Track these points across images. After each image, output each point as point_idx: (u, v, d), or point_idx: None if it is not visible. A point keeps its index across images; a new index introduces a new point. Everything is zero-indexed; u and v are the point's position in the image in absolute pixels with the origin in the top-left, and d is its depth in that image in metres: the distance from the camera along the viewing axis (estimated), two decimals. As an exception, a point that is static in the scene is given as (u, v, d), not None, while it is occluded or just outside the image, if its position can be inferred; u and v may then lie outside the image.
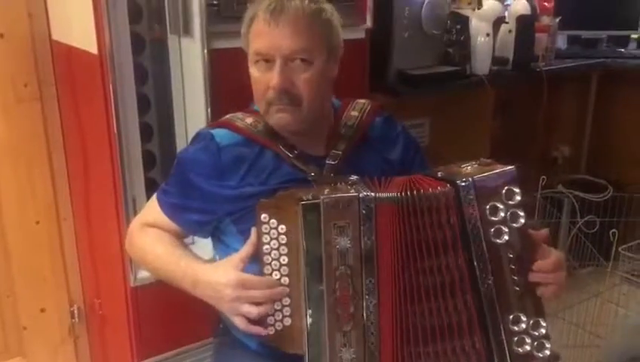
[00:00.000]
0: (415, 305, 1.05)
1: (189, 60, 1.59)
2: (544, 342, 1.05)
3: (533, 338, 1.05)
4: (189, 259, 1.19)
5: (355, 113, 1.29)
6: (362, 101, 1.34)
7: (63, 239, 1.96)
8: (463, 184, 1.02)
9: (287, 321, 1.11)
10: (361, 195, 1.03)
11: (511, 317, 1.04)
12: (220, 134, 1.22)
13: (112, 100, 1.49)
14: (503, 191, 1.02)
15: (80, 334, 2.07)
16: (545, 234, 1.09)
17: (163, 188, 1.28)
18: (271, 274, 1.09)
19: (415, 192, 1.05)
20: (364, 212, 1.03)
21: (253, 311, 1.08)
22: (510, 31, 2.52)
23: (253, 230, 1.10)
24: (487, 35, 2.39)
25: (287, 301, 1.10)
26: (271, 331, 1.11)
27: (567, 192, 2.85)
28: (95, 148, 1.68)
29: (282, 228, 1.08)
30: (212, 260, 1.28)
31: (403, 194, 1.05)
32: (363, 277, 1.04)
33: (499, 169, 1.04)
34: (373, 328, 1.05)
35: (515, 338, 1.05)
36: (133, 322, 1.66)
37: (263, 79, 1.14)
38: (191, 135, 1.39)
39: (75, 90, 1.77)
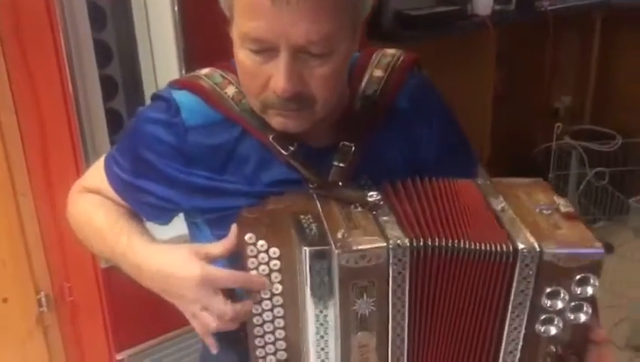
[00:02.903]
0: None
1: (155, -2, 1.36)
2: None
3: None
4: (132, 235, 0.92)
5: (379, 73, 0.95)
6: (391, 52, 0.97)
7: (23, 217, 1.72)
8: (526, 252, 0.75)
9: (282, 355, 0.88)
10: (391, 245, 0.75)
11: None
12: (189, 106, 0.90)
13: (64, 48, 1.26)
14: (577, 277, 0.75)
15: (50, 324, 1.84)
16: (603, 336, 0.83)
17: (113, 156, 0.98)
18: (260, 303, 0.85)
19: (466, 244, 0.77)
20: (394, 267, 0.76)
21: (213, 324, 0.83)
22: (513, -35, 2.31)
23: (233, 229, 0.84)
24: (489, -31, 2.18)
25: (280, 334, 0.87)
26: None
27: (576, 143, 2.67)
28: (51, 108, 1.44)
29: (274, 252, 0.83)
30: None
31: (450, 244, 0.77)
32: (390, 345, 0.80)
33: (583, 245, 0.76)
34: None
35: None
36: (108, 309, 1.46)
37: (259, 72, 0.81)
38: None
39: (24, 41, 1.51)
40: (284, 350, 0.90)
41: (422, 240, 0.76)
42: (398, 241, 0.75)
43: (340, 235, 0.74)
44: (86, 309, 1.65)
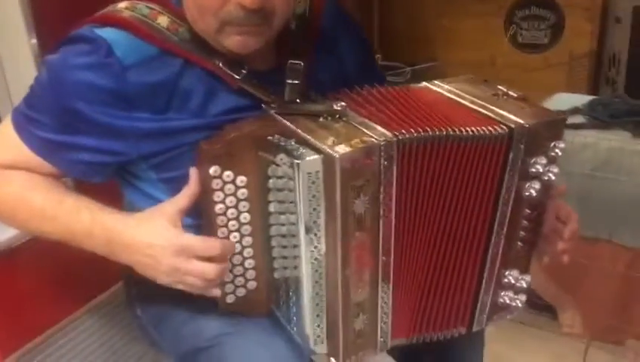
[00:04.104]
0: (427, 257, 0.89)
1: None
2: (523, 294, 0.97)
3: (516, 291, 0.96)
4: (93, 211, 0.87)
5: None
6: None
7: None
8: (518, 130, 0.83)
9: (252, 285, 0.91)
10: (382, 142, 0.77)
11: (506, 272, 0.95)
12: (121, 43, 0.84)
13: None
14: (551, 144, 0.86)
15: None
16: (563, 189, 0.95)
17: (27, 116, 0.88)
18: (228, 237, 0.87)
19: (458, 130, 0.81)
20: (385, 163, 0.78)
21: (199, 284, 0.84)
22: None
23: (193, 172, 0.84)
24: None
25: (250, 263, 0.90)
26: (230, 299, 0.91)
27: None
28: None
29: (242, 180, 0.84)
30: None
31: (438, 132, 0.81)
32: (381, 239, 0.83)
33: (550, 116, 0.87)
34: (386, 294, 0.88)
35: (502, 292, 0.96)
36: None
37: None
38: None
39: None
40: (254, 279, 0.92)
41: (412, 135, 0.80)
42: (386, 138, 0.78)
43: (330, 142, 0.77)
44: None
